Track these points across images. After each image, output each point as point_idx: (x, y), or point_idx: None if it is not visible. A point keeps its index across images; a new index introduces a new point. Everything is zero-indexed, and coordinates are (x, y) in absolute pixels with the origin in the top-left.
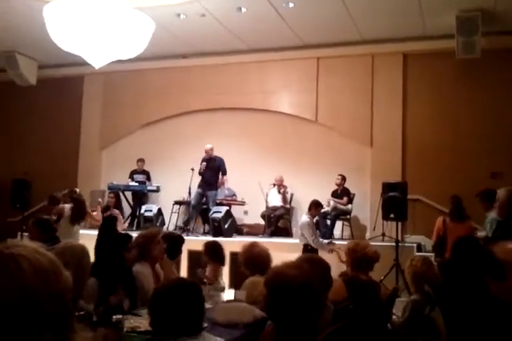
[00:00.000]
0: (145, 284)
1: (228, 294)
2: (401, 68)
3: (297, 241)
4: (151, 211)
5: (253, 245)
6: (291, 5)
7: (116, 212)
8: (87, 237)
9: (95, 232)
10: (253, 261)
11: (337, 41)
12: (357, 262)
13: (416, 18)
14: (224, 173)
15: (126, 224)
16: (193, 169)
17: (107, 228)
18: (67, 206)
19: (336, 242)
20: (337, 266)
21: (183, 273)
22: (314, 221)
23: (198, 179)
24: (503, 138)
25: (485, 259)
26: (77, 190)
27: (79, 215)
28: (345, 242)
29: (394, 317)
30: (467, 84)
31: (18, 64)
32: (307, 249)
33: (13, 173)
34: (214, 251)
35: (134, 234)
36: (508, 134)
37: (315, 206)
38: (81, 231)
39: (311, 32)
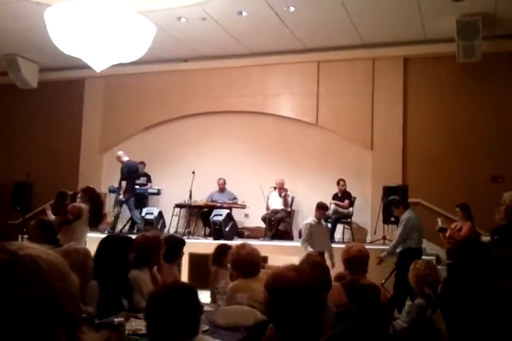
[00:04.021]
0: (144, 289)
1: None
2: (402, 72)
3: (298, 244)
4: (152, 214)
5: (240, 247)
6: (292, 9)
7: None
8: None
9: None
10: (239, 263)
11: (338, 45)
12: (347, 264)
13: (416, 22)
14: (123, 178)
15: None
16: (193, 172)
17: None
18: (85, 206)
19: (337, 246)
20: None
21: (184, 276)
22: (323, 223)
23: (199, 182)
24: (505, 142)
25: (499, 264)
26: (94, 188)
27: (98, 218)
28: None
29: (396, 321)
30: (468, 88)
31: (20, 67)
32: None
33: (14, 176)
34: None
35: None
36: (509, 138)
37: (317, 208)
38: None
39: (312, 36)
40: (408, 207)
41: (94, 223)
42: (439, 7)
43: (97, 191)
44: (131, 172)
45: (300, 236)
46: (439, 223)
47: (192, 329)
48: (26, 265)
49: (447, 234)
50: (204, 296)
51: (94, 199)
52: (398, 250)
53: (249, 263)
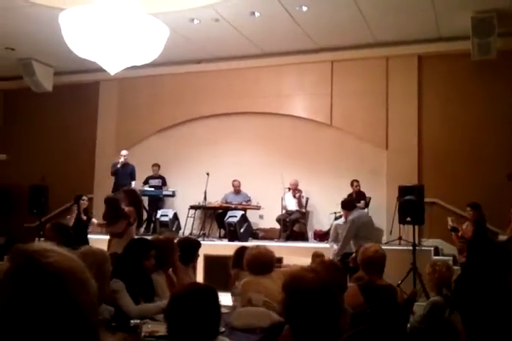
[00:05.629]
0: (160, 292)
1: None
2: (416, 70)
3: (313, 245)
4: (166, 216)
5: (253, 248)
6: (304, 8)
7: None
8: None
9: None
10: (248, 261)
11: (351, 44)
12: (364, 265)
13: (430, 19)
14: (133, 179)
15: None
16: (208, 174)
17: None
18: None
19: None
20: None
21: (200, 277)
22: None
23: (213, 183)
24: None
25: (507, 259)
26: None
27: (140, 222)
28: None
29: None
30: (483, 86)
31: (35, 71)
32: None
33: (30, 179)
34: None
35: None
36: None
37: (341, 208)
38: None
39: (325, 35)
40: (353, 209)
41: (141, 224)
42: (453, 4)
43: (138, 194)
44: None
45: (315, 237)
46: (450, 222)
47: (213, 330)
48: (49, 277)
49: (460, 233)
50: (222, 298)
51: (136, 203)
52: (353, 250)
53: (259, 261)
